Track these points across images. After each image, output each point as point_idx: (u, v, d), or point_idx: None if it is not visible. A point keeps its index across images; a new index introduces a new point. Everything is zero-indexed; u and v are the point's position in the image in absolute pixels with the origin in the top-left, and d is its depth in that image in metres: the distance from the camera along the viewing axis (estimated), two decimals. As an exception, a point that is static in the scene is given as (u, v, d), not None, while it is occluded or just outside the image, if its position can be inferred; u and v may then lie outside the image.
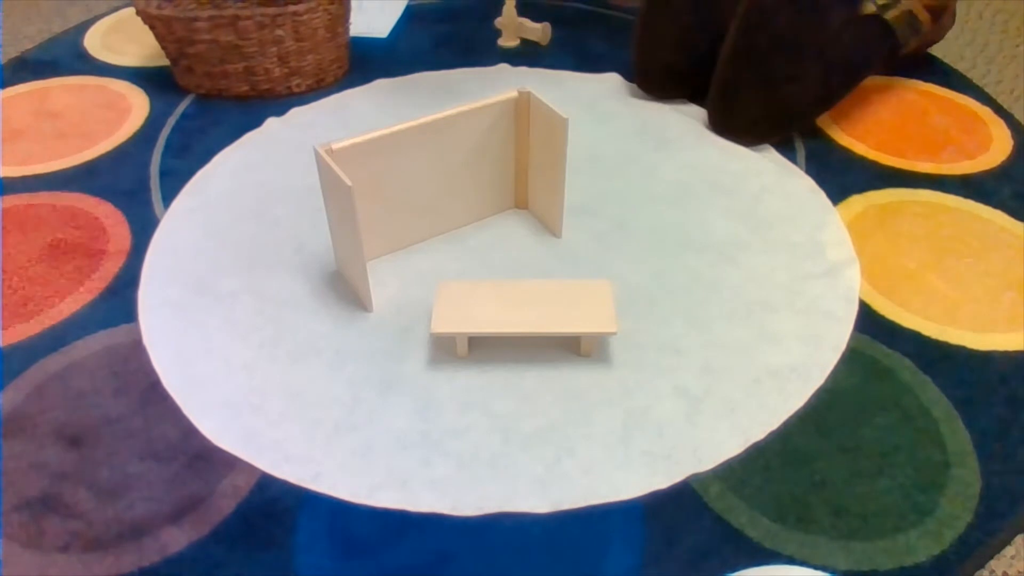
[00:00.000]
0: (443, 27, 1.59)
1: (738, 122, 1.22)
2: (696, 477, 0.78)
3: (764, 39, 1.14)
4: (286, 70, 1.35)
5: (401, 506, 0.76)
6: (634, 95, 1.36)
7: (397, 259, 1.03)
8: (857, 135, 1.27)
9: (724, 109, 1.22)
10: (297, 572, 0.71)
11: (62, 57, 1.51)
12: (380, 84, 1.41)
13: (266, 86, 1.36)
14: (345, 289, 0.98)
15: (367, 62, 1.46)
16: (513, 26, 1.51)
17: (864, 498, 0.77)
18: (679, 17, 1.27)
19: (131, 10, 1.42)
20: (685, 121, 1.30)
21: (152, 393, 0.87)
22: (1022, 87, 0.89)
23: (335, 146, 0.89)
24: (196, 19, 1.26)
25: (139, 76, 1.44)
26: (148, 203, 1.14)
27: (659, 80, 1.32)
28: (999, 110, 1.32)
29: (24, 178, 1.19)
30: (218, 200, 1.14)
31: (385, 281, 1.00)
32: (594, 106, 1.33)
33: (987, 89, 1.38)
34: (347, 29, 1.41)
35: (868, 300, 0.98)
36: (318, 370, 0.89)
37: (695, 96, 1.32)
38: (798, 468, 0.80)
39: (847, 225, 1.08)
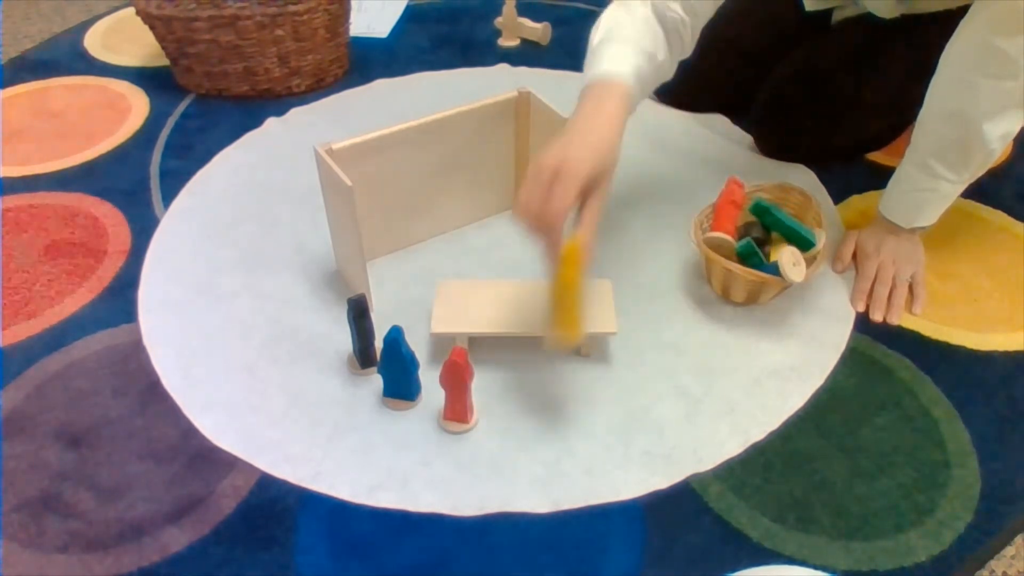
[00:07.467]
0: (443, 27, 1.59)
1: (810, 150, 1.20)
2: (696, 477, 0.78)
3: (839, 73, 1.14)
4: (286, 70, 1.35)
5: (401, 506, 0.76)
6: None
7: (397, 259, 1.03)
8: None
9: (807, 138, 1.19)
10: (297, 572, 0.71)
11: (62, 57, 1.51)
12: (380, 84, 1.41)
13: (266, 86, 1.36)
14: (345, 289, 0.98)
15: (367, 62, 1.46)
16: (513, 26, 1.51)
17: (864, 498, 0.77)
18: (729, 60, 1.26)
19: (131, 10, 1.42)
20: (684, 121, 1.30)
21: (152, 393, 0.87)
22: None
23: (335, 146, 0.89)
24: (196, 19, 1.26)
25: (139, 76, 1.44)
26: (148, 203, 1.14)
27: (691, 106, 1.31)
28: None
29: (24, 178, 1.19)
30: (218, 200, 1.14)
31: (385, 281, 1.00)
32: (594, 106, 1.32)
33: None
34: (347, 29, 1.41)
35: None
36: (318, 370, 0.89)
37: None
38: (798, 468, 0.80)
39: (847, 225, 1.08)
